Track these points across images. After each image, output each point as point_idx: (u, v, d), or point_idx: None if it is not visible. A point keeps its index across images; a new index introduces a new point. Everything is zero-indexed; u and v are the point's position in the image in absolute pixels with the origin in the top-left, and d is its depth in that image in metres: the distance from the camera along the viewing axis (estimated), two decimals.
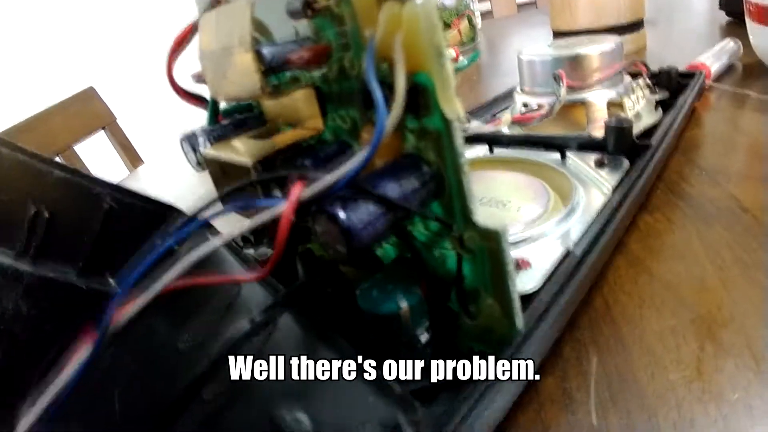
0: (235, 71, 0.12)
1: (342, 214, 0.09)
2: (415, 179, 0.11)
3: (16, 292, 0.17)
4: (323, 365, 0.09)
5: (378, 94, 0.10)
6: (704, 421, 0.15)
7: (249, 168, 0.12)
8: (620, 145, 0.24)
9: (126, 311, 0.10)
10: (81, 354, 0.10)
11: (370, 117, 0.11)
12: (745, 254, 0.21)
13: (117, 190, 0.19)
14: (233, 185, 0.11)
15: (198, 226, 0.10)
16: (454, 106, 0.10)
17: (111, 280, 0.18)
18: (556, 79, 0.26)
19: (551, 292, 0.15)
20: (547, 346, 0.15)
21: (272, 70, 0.12)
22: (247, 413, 0.09)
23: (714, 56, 0.41)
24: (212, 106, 0.16)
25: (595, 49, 0.28)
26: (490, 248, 0.11)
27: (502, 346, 0.13)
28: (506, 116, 0.26)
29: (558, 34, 0.58)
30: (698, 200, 0.25)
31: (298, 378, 0.09)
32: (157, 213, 0.19)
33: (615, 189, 0.22)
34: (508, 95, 0.36)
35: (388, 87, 0.11)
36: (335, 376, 0.09)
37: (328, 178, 0.09)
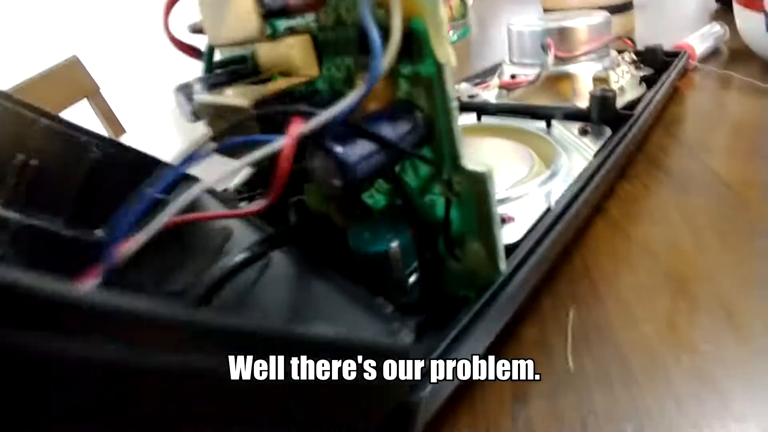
0: (234, 15, 0.13)
1: (339, 149, 0.10)
2: (407, 122, 0.11)
3: (3, 240, 0.17)
4: (320, 292, 0.10)
5: (374, 32, 0.10)
6: (677, 371, 0.16)
7: (246, 109, 0.12)
8: (603, 114, 0.24)
9: (128, 247, 0.11)
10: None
11: (366, 64, 0.12)
12: (720, 220, 0.22)
13: (103, 140, 0.19)
14: (229, 125, 0.12)
15: (185, 167, 0.10)
16: (446, 51, 0.11)
17: (97, 231, 0.19)
18: (544, 48, 0.26)
19: (531, 242, 0.16)
20: (526, 291, 0.16)
21: (271, 14, 0.12)
22: None
23: (700, 38, 0.42)
24: (208, 57, 0.16)
25: (583, 22, 0.29)
26: (477, 191, 0.12)
27: (486, 288, 0.13)
28: (494, 80, 0.26)
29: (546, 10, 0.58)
30: (677, 171, 0.26)
31: (298, 305, 0.10)
32: (143, 165, 0.19)
33: (596, 154, 0.22)
34: (497, 67, 0.37)
35: (383, 32, 0.11)
36: (332, 303, 0.10)
37: (325, 114, 0.10)
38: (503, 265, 0.13)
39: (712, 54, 0.43)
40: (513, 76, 0.31)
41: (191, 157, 0.10)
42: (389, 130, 0.11)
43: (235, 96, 0.13)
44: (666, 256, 0.21)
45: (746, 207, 0.23)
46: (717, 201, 0.24)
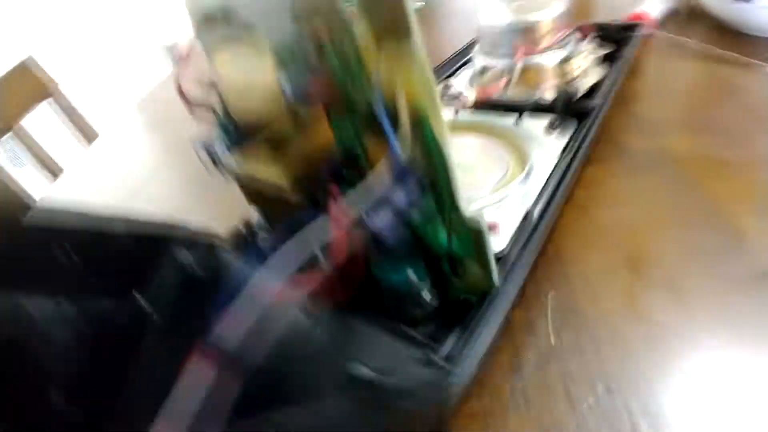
0: (260, 103, 0.16)
1: (374, 227, 0.14)
2: (414, 184, 0.15)
3: (66, 334, 0.19)
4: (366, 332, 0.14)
5: (393, 140, 0.14)
6: (634, 338, 0.21)
7: (286, 189, 0.16)
8: (568, 110, 0.28)
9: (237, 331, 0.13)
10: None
11: (375, 129, 0.15)
12: (671, 199, 0.27)
13: (127, 221, 0.22)
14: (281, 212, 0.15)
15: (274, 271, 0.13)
16: (443, 131, 0.15)
17: (139, 299, 0.21)
18: (513, 52, 0.30)
19: (517, 250, 0.20)
20: (516, 292, 0.20)
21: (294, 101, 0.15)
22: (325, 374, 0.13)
23: (657, 1, 0.45)
24: (226, 120, 0.19)
25: (547, 14, 0.32)
26: (473, 231, 0.16)
27: (484, 297, 0.18)
28: (470, 97, 0.30)
29: None
30: (634, 151, 0.31)
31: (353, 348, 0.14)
32: (166, 234, 0.22)
33: (563, 150, 0.27)
34: (467, 50, 0.40)
35: (392, 113, 0.15)
36: (376, 339, 0.14)
37: (365, 202, 0.14)
38: (497, 280, 0.18)
39: (670, 15, 0.47)
40: (484, 69, 0.35)
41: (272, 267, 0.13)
42: (402, 198, 0.15)
43: (270, 171, 0.16)
44: (624, 236, 0.25)
45: (695, 184, 0.27)
46: (669, 180, 0.28)
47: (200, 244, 0.19)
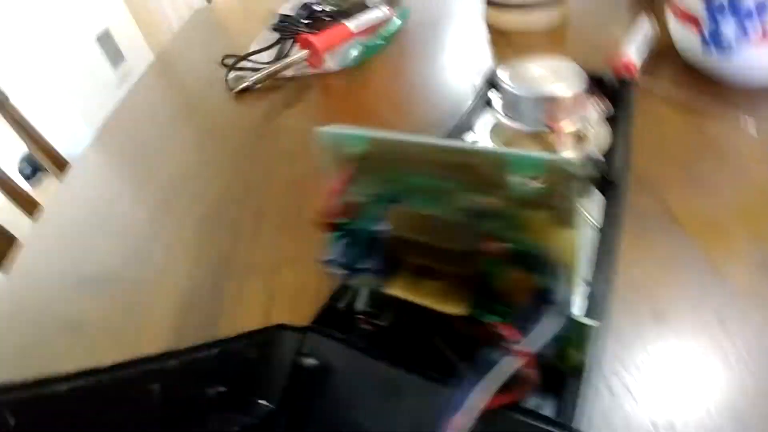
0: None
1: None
2: (561, 312, 0.21)
3: None
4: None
5: (553, 284, 0.20)
6: (662, 356, 0.29)
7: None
8: (597, 183, 0.35)
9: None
10: None
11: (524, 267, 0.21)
12: (678, 259, 0.35)
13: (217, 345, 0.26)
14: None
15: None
16: (579, 272, 0.21)
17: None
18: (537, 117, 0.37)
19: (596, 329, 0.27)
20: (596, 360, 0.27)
21: None
22: None
23: (637, 48, 0.52)
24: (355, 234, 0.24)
25: (572, 88, 0.38)
26: (579, 326, 0.23)
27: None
28: None
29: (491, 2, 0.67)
30: (640, 210, 0.38)
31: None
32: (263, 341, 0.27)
33: (602, 226, 0.33)
34: (478, 101, 0.46)
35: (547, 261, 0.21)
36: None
37: (537, 338, 0.20)
38: (590, 358, 0.24)
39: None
40: (505, 128, 0.41)
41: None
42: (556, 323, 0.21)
43: (442, 304, 0.22)
44: (647, 290, 0.33)
45: (694, 245, 0.35)
46: (673, 239, 0.36)
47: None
